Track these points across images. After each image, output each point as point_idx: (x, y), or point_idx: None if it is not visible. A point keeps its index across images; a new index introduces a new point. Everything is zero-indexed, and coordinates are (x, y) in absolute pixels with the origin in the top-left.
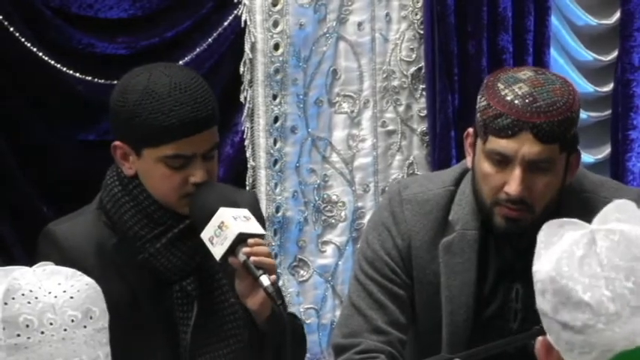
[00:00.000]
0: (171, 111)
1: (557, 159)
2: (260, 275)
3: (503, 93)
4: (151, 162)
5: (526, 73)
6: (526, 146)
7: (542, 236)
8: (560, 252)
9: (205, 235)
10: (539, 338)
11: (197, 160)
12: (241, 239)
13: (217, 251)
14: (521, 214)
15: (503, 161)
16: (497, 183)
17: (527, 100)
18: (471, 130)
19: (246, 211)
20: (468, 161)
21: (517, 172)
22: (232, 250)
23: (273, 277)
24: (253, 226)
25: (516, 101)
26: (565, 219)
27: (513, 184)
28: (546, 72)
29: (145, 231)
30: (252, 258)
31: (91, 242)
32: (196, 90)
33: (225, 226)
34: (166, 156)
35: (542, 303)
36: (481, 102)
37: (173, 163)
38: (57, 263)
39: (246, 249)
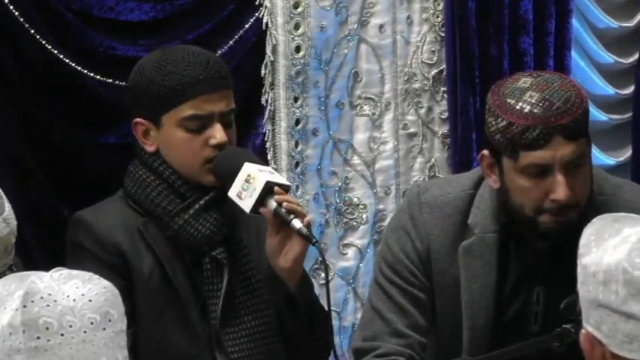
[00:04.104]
0: (185, 70)
1: (587, 151)
2: (292, 219)
3: (518, 107)
4: (171, 129)
5: (525, 80)
6: (560, 149)
7: (592, 231)
8: (631, 244)
9: (233, 191)
10: (583, 332)
11: (215, 121)
12: (270, 190)
13: (247, 204)
14: (569, 213)
15: (541, 172)
16: (539, 194)
17: (544, 106)
18: (485, 152)
19: (270, 168)
20: (490, 182)
21: (560, 178)
22: (262, 200)
23: (307, 218)
24: (279, 178)
25: (535, 110)
26: (620, 214)
27: (561, 191)
28: (541, 72)
29: (172, 206)
30: (283, 204)
31: (118, 222)
32: (209, 55)
33: (252, 179)
34: (184, 118)
35: (604, 293)
36: (500, 123)
37: (192, 126)
38: (89, 245)
39: (276, 197)
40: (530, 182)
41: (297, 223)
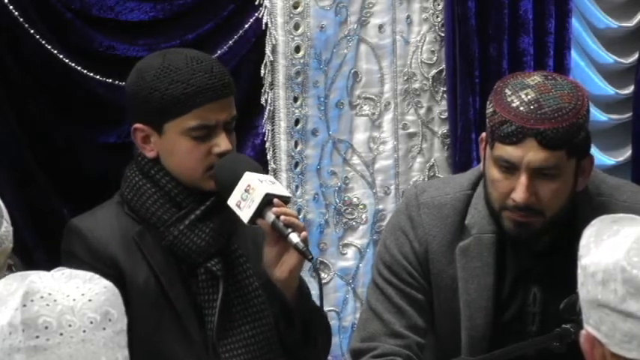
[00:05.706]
0: (190, 79)
1: (565, 165)
2: (289, 233)
3: (509, 99)
4: (175, 136)
5: (535, 78)
6: (531, 153)
7: (592, 232)
8: (630, 243)
9: (232, 200)
10: (583, 332)
11: (219, 130)
12: (268, 201)
13: (245, 214)
14: (530, 218)
15: (510, 168)
16: (504, 189)
17: (532, 107)
18: (484, 134)
19: (271, 177)
20: (481, 165)
21: (522, 180)
22: (260, 212)
23: (304, 233)
24: (279, 189)
25: (521, 108)
26: (619, 215)
27: (519, 192)
28: (557, 77)
29: (167, 215)
30: (281, 217)
31: (114, 231)
32: (211, 62)
33: (251, 189)
34: (190, 127)
35: (603, 293)
36: (489, 108)
37: (197, 134)
38: (83, 256)
39: (274, 209)
40: (500, 175)
41: (294, 238)
